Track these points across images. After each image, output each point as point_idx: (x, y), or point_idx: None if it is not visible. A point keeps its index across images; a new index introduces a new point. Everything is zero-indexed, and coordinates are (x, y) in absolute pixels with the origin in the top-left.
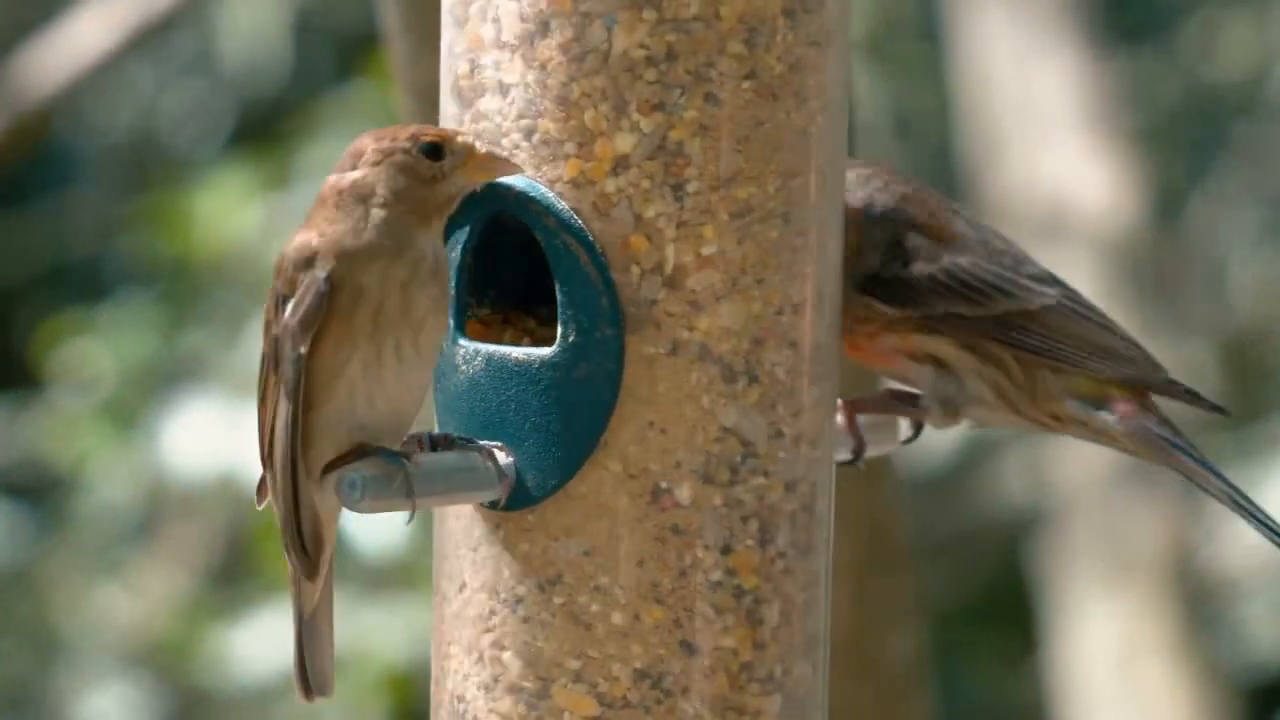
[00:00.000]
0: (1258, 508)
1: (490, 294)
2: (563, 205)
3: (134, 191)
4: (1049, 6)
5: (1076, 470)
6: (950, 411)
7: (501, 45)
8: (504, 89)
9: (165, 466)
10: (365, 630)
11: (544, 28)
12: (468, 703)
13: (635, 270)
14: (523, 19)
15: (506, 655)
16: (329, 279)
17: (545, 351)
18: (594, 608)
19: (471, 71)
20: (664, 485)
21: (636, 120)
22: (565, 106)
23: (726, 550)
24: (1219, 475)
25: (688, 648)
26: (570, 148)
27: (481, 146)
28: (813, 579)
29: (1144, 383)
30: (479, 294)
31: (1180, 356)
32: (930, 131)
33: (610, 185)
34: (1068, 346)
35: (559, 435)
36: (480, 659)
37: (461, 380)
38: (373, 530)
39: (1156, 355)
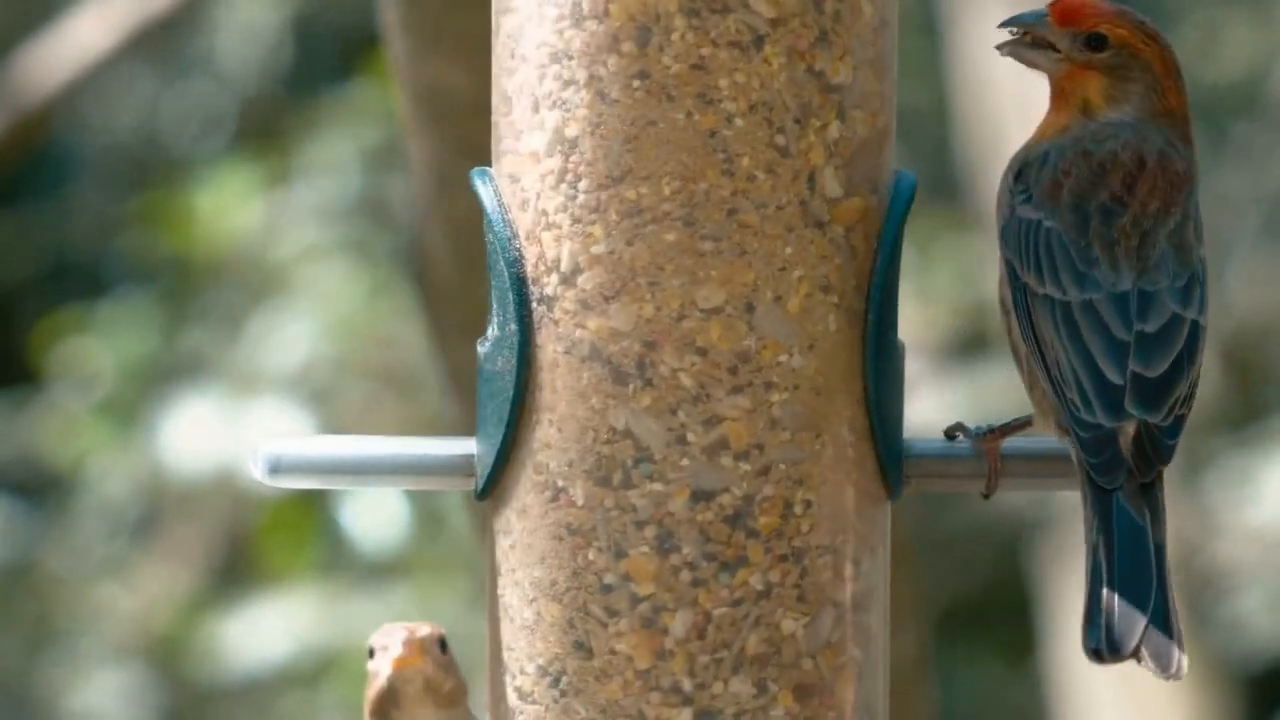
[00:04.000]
0: (1103, 597)
1: None
2: (491, 201)
3: (134, 191)
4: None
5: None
6: (1044, 416)
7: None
8: (489, 85)
9: (164, 464)
10: (361, 622)
11: (499, 25)
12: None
13: (541, 267)
14: (494, 13)
15: (488, 643)
16: None
17: (485, 346)
18: (514, 601)
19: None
20: (560, 484)
21: (543, 117)
22: (506, 101)
23: (620, 554)
24: (1108, 550)
25: (582, 648)
26: (510, 143)
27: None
28: (750, 596)
29: (1063, 422)
30: None
31: None
32: (930, 131)
33: (527, 180)
34: (1042, 349)
35: (491, 427)
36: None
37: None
38: (368, 522)
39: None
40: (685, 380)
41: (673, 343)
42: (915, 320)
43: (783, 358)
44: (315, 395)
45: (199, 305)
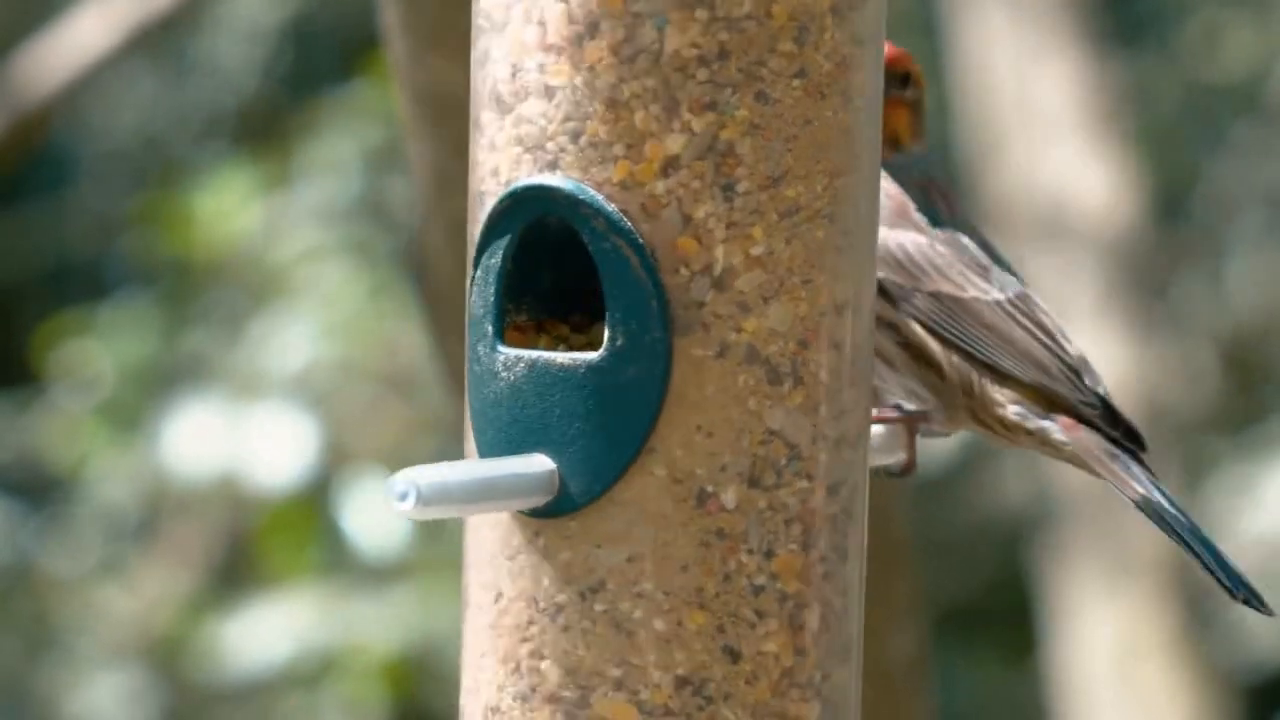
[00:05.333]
0: (1200, 542)
1: (527, 301)
2: (612, 207)
3: (134, 192)
4: (1049, 6)
5: (1077, 470)
6: (951, 416)
7: (547, 48)
8: (550, 92)
9: (165, 466)
10: (361, 623)
11: (593, 29)
12: (503, 713)
13: (684, 272)
14: (571, 21)
15: (545, 664)
16: None
17: (591, 356)
18: (636, 614)
19: (513, 76)
20: (709, 489)
21: (688, 120)
22: (614, 108)
23: (770, 554)
24: (1171, 503)
25: (730, 653)
26: (619, 149)
27: None
28: (850, 584)
29: (1069, 405)
30: (516, 301)
31: (1180, 356)
32: (930, 131)
33: (659, 187)
34: (997, 347)
35: (604, 440)
36: (517, 669)
37: (502, 387)
38: (368, 523)
39: (1158, 355)
40: (824, 376)
41: (818, 339)
42: None
43: (867, 349)
44: (316, 397)
45: (200, 307)
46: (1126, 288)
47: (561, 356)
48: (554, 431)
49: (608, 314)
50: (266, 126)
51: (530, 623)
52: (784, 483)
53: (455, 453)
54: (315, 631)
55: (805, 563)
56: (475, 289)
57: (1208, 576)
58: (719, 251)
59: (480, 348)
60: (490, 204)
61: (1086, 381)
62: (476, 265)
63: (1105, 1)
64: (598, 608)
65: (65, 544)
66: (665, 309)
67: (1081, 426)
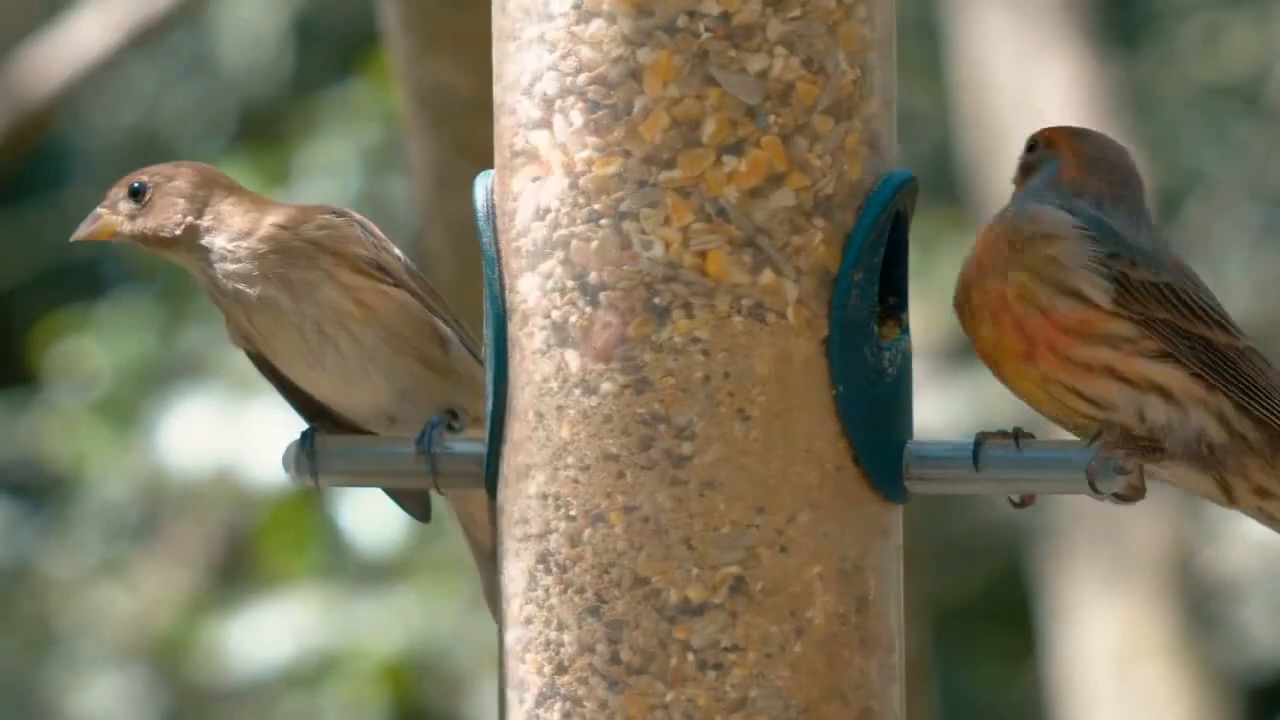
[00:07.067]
0: None
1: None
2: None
3: None
4: (1049, 6)
5: None
6: (1206, 465)
7: (877, 46)
8: (884, 88)
9: (163, 464)
10: (362, 624)
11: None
12: (878, 692)
13: None
14: (892, 17)
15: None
16: None
17: (907, 339)
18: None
19: (864, 76)
20: None
21: None
22: (881, 101)
23: None
24: None
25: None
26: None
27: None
28: None
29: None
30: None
31: None
32: (930, 131)
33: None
34: (1268, 395)
35: (909, 415)
36: (889, 649)
37: (888, 384)
38: (369, 525)
39: None
40: None
41: None
42: (915, 321)
43: None
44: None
45: (197, 305)
46: None
47: (907, 342)
48: (909, 414)
49: (907, 296)
50: (266, 126)
51: (894, 604)
52: None
53: None
54: (316, 632)
55: None
56: (856, 290)
57: None
58: None
59: (866, 350)
60: (856, 204)
61: None
62: (856, 266)
63: (1105, 1)
64: (895, 571)
65: (65, 544)
66: None
67: None
